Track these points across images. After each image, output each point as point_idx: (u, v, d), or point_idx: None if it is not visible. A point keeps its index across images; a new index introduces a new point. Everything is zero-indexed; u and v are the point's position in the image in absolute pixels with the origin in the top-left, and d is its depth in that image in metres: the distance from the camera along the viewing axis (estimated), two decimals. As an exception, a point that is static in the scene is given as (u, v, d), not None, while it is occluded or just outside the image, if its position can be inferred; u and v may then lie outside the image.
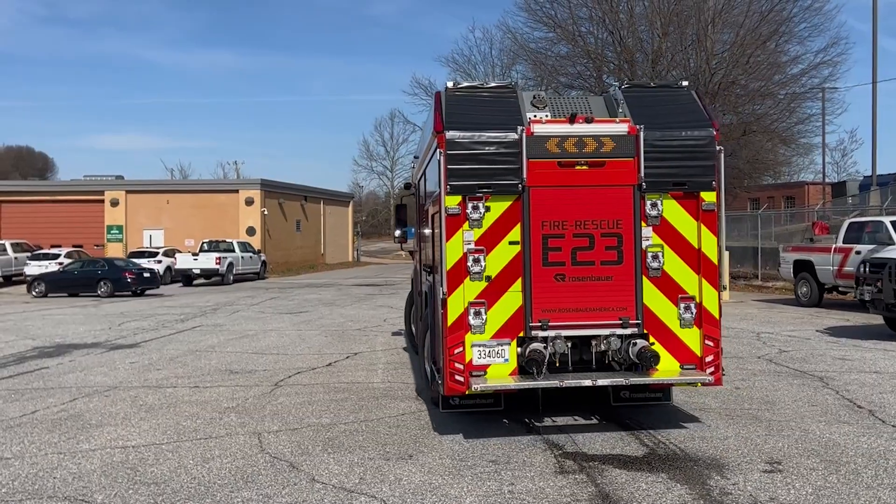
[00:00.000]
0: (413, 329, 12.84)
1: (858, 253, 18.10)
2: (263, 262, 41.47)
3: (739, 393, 9.74)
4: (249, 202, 45.41)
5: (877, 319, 15.68)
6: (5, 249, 37.64)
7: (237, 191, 46.39)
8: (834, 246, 19.66)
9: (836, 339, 14.47)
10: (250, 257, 39.61)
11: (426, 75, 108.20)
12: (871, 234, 18.61)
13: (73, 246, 40.81)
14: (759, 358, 12.42)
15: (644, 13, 43.75)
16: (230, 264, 36.77)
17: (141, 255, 37.55)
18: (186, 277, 35.87)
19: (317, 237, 55.67)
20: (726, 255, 21.43)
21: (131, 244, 44.24)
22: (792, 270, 21.41)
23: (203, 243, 38.14)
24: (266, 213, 45.91)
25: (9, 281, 37.06)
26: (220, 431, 8.20)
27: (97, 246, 44.82)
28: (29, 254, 37.59)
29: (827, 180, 56.71)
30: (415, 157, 12.10)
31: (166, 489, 6.35)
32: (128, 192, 46.08)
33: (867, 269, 14.83)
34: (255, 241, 43.64)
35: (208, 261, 35.68)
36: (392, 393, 10.02)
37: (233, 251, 37.89)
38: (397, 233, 13.97)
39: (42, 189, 49.59)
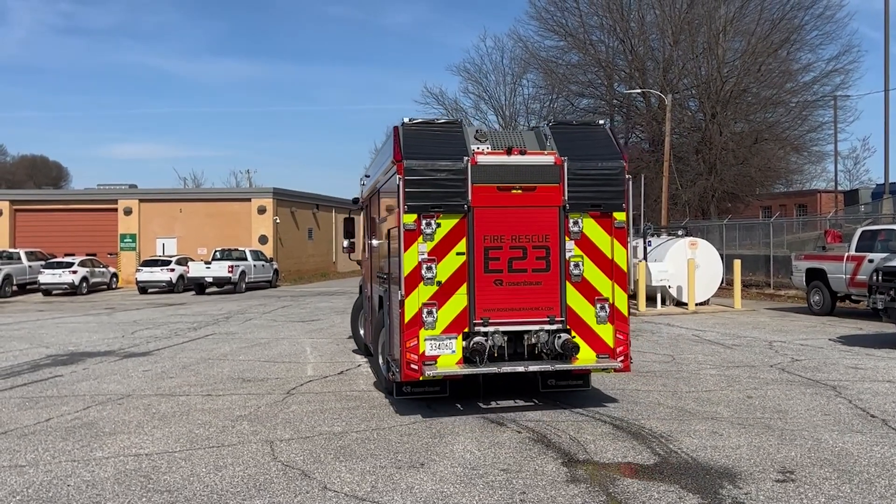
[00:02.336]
0: (361, 332, 14.31)
1: (871, 261, 18.03)
2: (275, 271, 41.56)
3: (752, 402, 9.71)
4: (262, 211, 45.56)
5: (890, 328, 15.62)
6: (20, 258, 37.92)
7: (249, 199, 46.52)
8: (846, 254, 19.58)
9: (849, 347, 14.41)
10: (262, 266, 39.69)
11: (437, 84, 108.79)
12: (883, 243, 18.54)
13: (87, 254, 41.01)
14: (772, 367, 12.38)
15: (655, 21, 43.80)
16: (242, 273, 36.86)
17: (154, 263, 37.72)
18: (199, 286, 35.95)
19: (328, 245, 55.78)
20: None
21: (144, 252, 44.44)
22: (804, 279, 21.34)
23: (215, 252, 38.20)
24: (278, 221, 46.06)
25: (23, 289, 37.31)
26: (233, 439, 8.24)
27: (110, 254, 45.03)
28: (43, 262, 37.83)
29: (839, 188, 56.47)
30: (366, 177, 13.49)
31: (179, 497, 6.38)
32: (141, 200, 46.30)
33: (880, 278, 14.78)
34: (268, 250, 43.76)
35: (221, 269, 35.74)
36: (402, 401, 10.03)
37: (245, 259, 37.95)
38: (345, 244, 15.49)
39: (56, 198, 49.88)
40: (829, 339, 15.56)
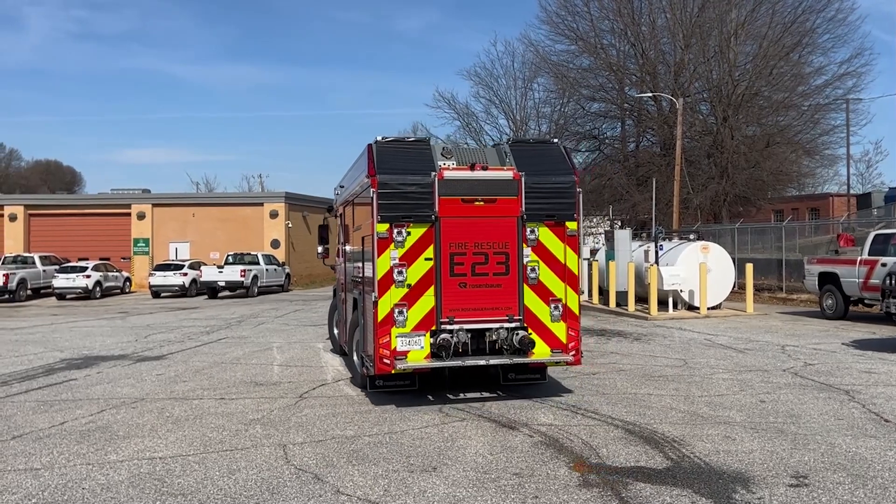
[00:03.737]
0: (336, 332, 15.01)
1: (884, 265, 17.93)
2: (287, 275, 41.66)
3: (764, 406, 9.69)
4: (274, 215, 45.71)
5: (904, 332, 15.52)
6: (34, 262, 38.14)
7: (262, 204, 46.68)
8: (859, 258, 19.49)
9: (862, 351, 14.34)
10: (275, 270, 39.80)
11: (448, 89, 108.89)
12: (896, 246, 18.43)
13: (100, 259, 41.27)
14: (785, 371, 12.34)
15: (666, 25, 43.73)
16: (255, 277, 36.97)
17: (167, 267, 37.88)
18: (212, 290, 36.05)
19: (340, 250, 55.73)
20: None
21: (157, 257, 44.65)
22: (817, 283, 21.24)
23: (228, 256, 38.36)
24: (290, 225, 46.19)
25: (37, 293, 37.52)
26: (246, 443, 8.28)
27: (124, 259, 45.26)
28: (57, 266, 38.04)
29: (852, 192, 56.20)
30: (340, 187, 14.33)
31: (193, 500, 6.42)
32: (154, 205, 46.51)
33: (893, 281, 14.71)
34: (280, 254, 43.88)
35: (233, 273, 35.86)
36: (415, 405, 10.06)
37: (257, 264, 38.07)
38: (319, 249, 16.26)
39: (70, 203, 50.15)
40: (843, 344, 15.50)
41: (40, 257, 38.92)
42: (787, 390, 10.72)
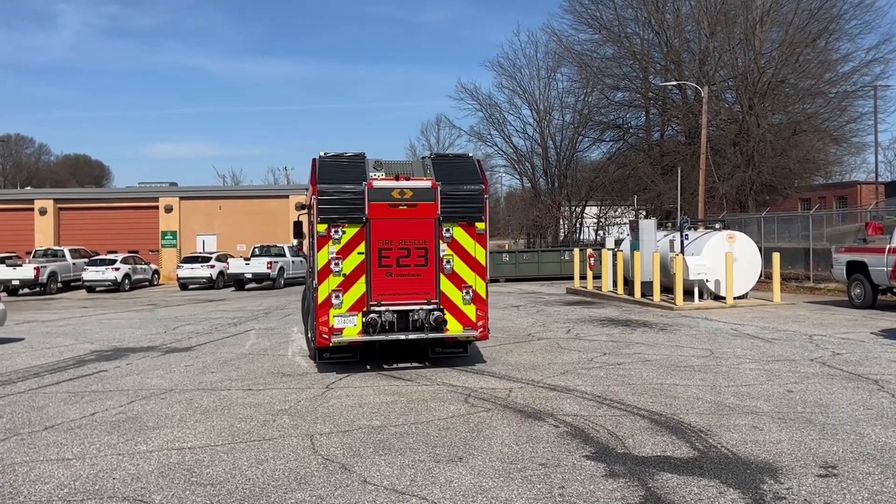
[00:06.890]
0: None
1: (915, 254, 17.71)
2: (312, 267, 41.82)
3: (792, 396, 9.63)
4: (300, 207, 45.87)
5: (935, 321, 15.32)
6: (64, 255, 38.57)
7: (287, 196, 46.88)
8: (888, 246, 19.26)
9: (892, 341, 14.19)
10: (301, 261, 39.92)
11: (472, 80, 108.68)
12: (927, 235, 18.18)
13: (129, 252, 41.66)
14: (813, 361, 12.25)
15: (691, 13, 43.31)
16: (281, 269, 37.17)
17: (194, 259, 38.15)
18: (238, 282, 36.29)
19: (364, 241, 55.82)
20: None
21: (185, 249, 44.99)
22: (845, 272, 21.02)
23: (254, 248, 38.55)
24: (315, 218, 46.32)
25: (68, 286, 37.98)
26: (274, 433, 8.36)
27: (152, 251, 45.65)
28: (86, 260, 38.46)
29: (880, 179, 55.42)
30: (306, 189, 15.69)
31: (222, 490, 6.50)
32: (181, 198, 46.85)
33: (924, 270, 14.52)
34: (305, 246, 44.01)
35: (260, 265, 36.06)
36: (441, 396, 10.11)
37: (283, 256, 38.22)
38: (294, 242, 18.51)
39: (99, 196, 50.62)
40: (871, 333, 15.34)
41: (70, 250, 39.34)
42: (815, 380, 10.65)
